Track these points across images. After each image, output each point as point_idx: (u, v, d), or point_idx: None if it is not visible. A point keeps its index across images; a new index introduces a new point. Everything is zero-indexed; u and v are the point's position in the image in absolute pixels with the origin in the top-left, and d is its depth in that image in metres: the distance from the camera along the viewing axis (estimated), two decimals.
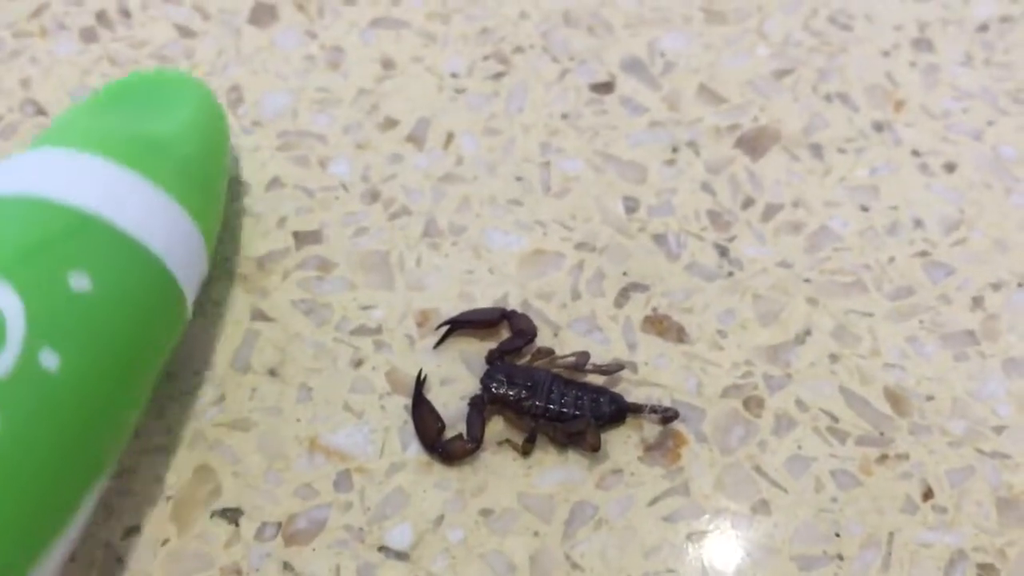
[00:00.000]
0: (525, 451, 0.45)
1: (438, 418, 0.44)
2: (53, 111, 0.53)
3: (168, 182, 0.42)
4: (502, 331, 0.48)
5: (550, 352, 0.46)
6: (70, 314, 0.36)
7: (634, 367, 0.47)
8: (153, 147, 0.42)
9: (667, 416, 0.45)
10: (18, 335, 0.34)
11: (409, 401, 0.46)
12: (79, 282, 0.36)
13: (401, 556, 0.42)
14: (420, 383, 0.45)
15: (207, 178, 0.45)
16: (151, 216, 0.40)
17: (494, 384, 0.44)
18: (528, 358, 0.47)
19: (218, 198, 0.46)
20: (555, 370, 0.46)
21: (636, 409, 0.45)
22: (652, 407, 0.45)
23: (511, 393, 0.44)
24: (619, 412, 0.45)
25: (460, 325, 0.47)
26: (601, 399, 0.45)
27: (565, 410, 0.44)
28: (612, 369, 0.46)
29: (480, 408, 0.45)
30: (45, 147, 0.41)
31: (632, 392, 0.46)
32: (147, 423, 0.45)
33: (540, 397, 0.44)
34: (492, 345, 0.47)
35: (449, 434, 0.45)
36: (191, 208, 0.42)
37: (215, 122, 0.47)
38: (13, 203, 0.38)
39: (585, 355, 0.46)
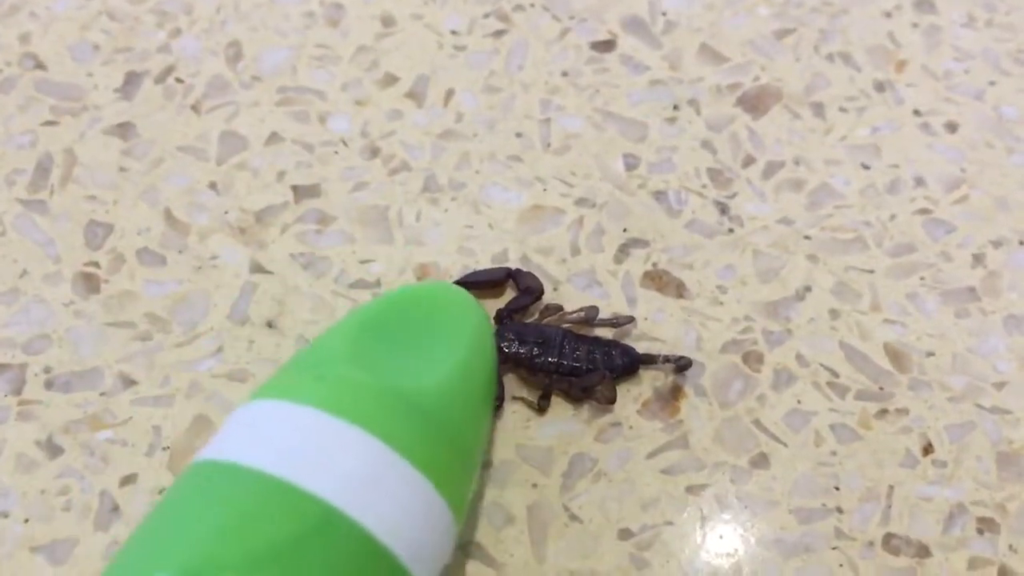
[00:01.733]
0: (541, 408, 0.44)
1: None
2: (52, 66, 0.53)
3: (424, 456, 0.36)
4: (507, 291, 0.48)
5: (559, 308, 0.46)
6: None
7: (634, 322, 0.47)
8: (416, 409, 0.36)
9: (680, 365, 0.45)
10: None
11: None
12: None
13: None
14: None
15: (469, 439, 0.38)
16: (399, 508, 0.34)
17: (505, 343, 0.44)
18: (537, 315, 0.47)
19: (477, 463, 0.39)
20: (564, 326, 0.46)
21: (649, 360, 0.45)
22: (665, 356, 0.45)
23: (523, 351, 0.44)
24: (632, 364, 0.44)
25: (466, 286, 0.47)
26: (613, 352, 0.44)
27: (578, 364, 0.44)
28: (622, 321, 0.46)
29: (509, 368, 0.44)
30: (289, 401, 0.35)
31: (633, 346, 0.46)
32: (144, 374, 0.45)
33: (552, 353, 0.44)
34: (498, 305, 0.47)
35: None
36: (446, 486, 0.36)
37: (487, 362, 0.41)
38: (246, 479, 0.33)
39: (594, 309, 0.46)
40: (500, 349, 0.44)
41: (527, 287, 0.46)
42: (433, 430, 0.36)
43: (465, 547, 0.41)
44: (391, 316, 0.40)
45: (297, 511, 0.32)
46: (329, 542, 0.32)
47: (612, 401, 0.44)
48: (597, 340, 0.45)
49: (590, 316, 0.46)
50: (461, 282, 0.47)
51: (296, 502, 0.32)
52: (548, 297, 0.47)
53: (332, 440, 0.34)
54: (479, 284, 0.47)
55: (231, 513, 0.32)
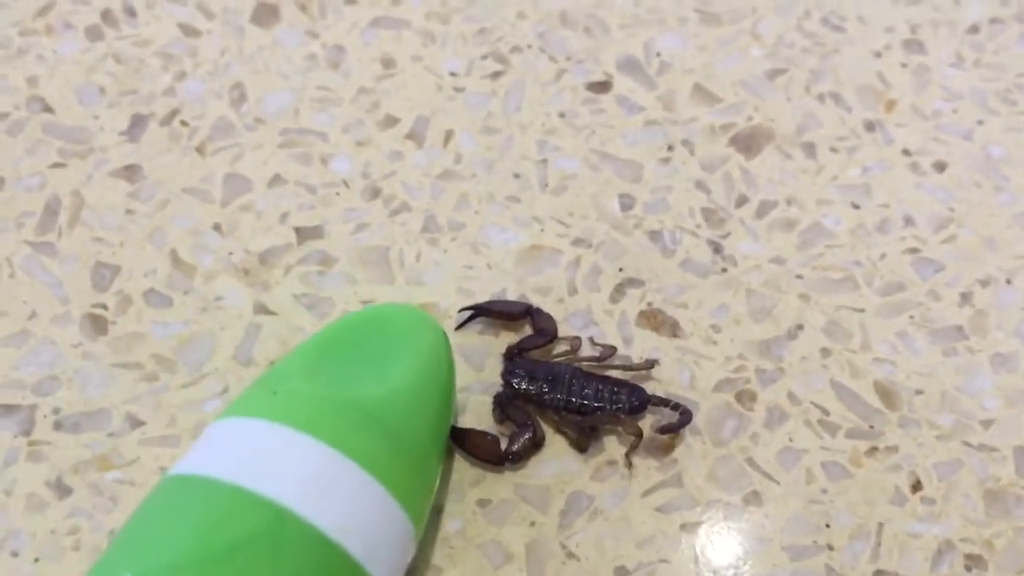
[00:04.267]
0: (580, 447, 0.45)
1: (489, 434, 0.45)
2: (59, 108, 0.54)
3: (375, 459, 0.38)
4: (518, 329, 0.49)
5: (576, 348, 0.47)
6: None
7: (628, 361, 0.48)
8: (370, 419, 0.39)
9: (682, 420, 0.45)
10: None
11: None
12: None
13: None
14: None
15: (423, 446, 0.40)
16: (351, 508, 0.36)
17: (516, 379, 0.45)
18: (550, 353, 0.48)
19: (435, 470, 0.41)
20: (576, 364, 0.47)
21: (659, 402, 0.46)
22: (675, 403, 0.46)
23: (532, 387, 0.45)
24: (641, 404, 0.45)
25: (484, 312, 0.48)
26: (622, 391, 0.45)
27: (587, 402, 0.45)
28: (641, 367, 0.47)
29: (520, 404, 0.45)
30: (245, 417, 0.38)
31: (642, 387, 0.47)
32: (150, 415, 0.46)
33: (561, 390, 0.45)
34: (502, 339, 0.48)
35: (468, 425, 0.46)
36: (400, 490, 0.38)
37: (443, 374, 0.42)
38: (203, 488, 0.36)
39: (612, 349, 0.47)
40: (510, 385, 0.45)
41: (541, 328, 0.47)
42: (384, 436, 0.39)
43: None
44: (348, 334, 0.43)
45: (250, 514, 0.35)
46: (281, 541, 0.35)
47: (640, 435, 0.45)
48: (607, 379, 0.46)
49: (604, 355, 0.47)
50: (479, 307, 0.48)
51: (249, 505, 0.35)
52: None
53: (284, 448, 0.37)
54: (498, 314, 0.48)
55: (188, 518, 0.35)
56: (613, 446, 0.46)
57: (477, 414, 0.47)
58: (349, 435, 0.38)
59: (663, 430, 0.45)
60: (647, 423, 0.46)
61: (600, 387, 0.45)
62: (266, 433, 0.37)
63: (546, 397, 0.45)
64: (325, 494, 0.36)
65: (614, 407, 0.45)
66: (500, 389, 0.46)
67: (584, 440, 0.45)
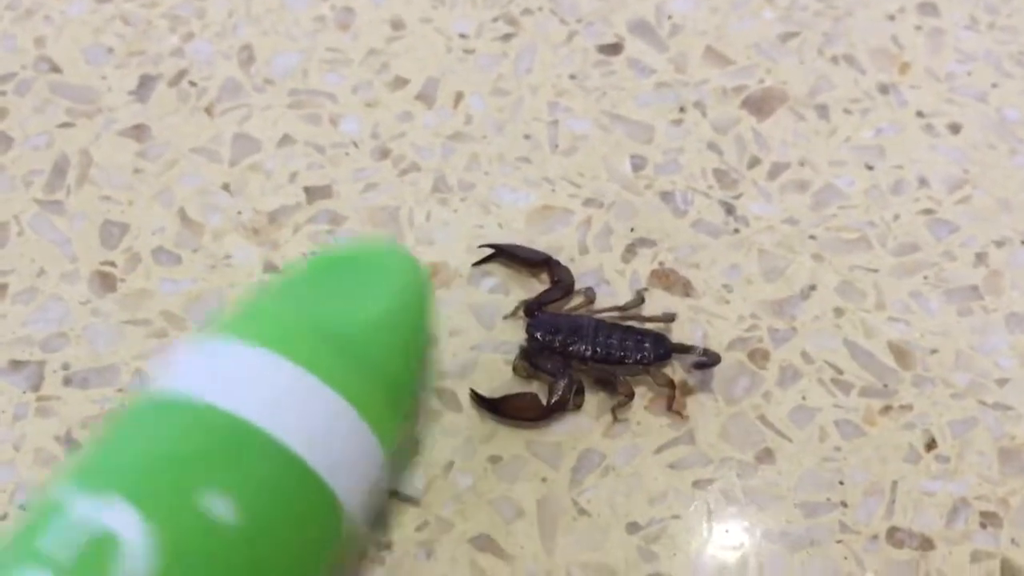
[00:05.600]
0: (577, 404, 0.45)
1: (526, 394, 0.44)
2: (67, 69, 0.54)
3: (344, 380, 0.38)
4: (532, 282, 0.48)
5: (591, 300, 0.47)
6: (204, 547, 0.33)
7: (641, 319, 0.47)
8: (341, 344, 0.38)
9: (711, 359, 0.45)
10: (141, 568, 0.32)
11: None
12: (220, 507, 0.33)
13: (412, 501, 0.43)
14: (479, 396, 0.45)
15: (396, 373, 0.40)
16: (314, 424, 0.36)
17: (539, 332, 0.45)
18: (571, 305, 0.47)
19: (407, 395, 0.41)
20: (597, 316, 0.47)
21: (683, 349, 0.46)
22: (704, 349, 0.45)
23: (557, 340, 0.45)
24: (666, 352, 0.45)
25: (504, 254, 0.48)
26: (646, 340, 0.45)
27: (611, 352, 0.45)
28: (663, 319, 0.47)
29: (553, 359, 0.45)
30: (216, 338, 0.38)
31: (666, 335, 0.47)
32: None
33: (586, 341, 0.45)
34: (512, 298, 0.48)
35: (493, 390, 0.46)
36: (370, 413, 0.38)
37: (418, 307, 0.42)
38: (166, 402, 0.36)
39: (640, 299, 0.47)
40: (534, 338, 0.45)
41: (559, 280, 0.47)
42: (355, 360, 0.38)
43: (476, 539, 0.42)
44: (325, 268, 0.42)
45: (208, 425, 0.35)
46: (239, 452, 0.35)
47: (672, 386, 0.45)
48: (629, 329, 0.46)
49: (631, 304, 0.47)
50: (500, 247, 0.48)
51: (209, 418, 0.35)
52: None
53: (249, 365, 0.37)
54: (517, 258, 0.48)
55: (143, 430, 0.35)
56: (628, 406, 0.45)
57: (489, 371, 0.46)
58: (318, 356, 0.38)
59: (697, 366, 0.45)
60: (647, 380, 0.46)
61: (624, 336, 0.45)
62: (233, 352, 0.37)
63: (571, 349, 0.45)
64: (289, 409, 0.36)
65: (640, 355, 0.45)
66: (524, 344, 0.46)
67: (619, 399, 0.45)
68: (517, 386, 0.46)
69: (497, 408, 0.44)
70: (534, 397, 0.44)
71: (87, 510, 0.32)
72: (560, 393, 0.44)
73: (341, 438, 0.37)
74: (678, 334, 0.47)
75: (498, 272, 0.49)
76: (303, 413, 0.36)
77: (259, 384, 0.36)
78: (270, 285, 0.41)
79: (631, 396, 0.45)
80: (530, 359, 0.45)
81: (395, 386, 0.40)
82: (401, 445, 0.42)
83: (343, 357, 0.38)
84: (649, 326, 0.47)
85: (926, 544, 0.42)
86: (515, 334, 0.47)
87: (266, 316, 0.39)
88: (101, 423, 0.37)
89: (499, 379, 0.46)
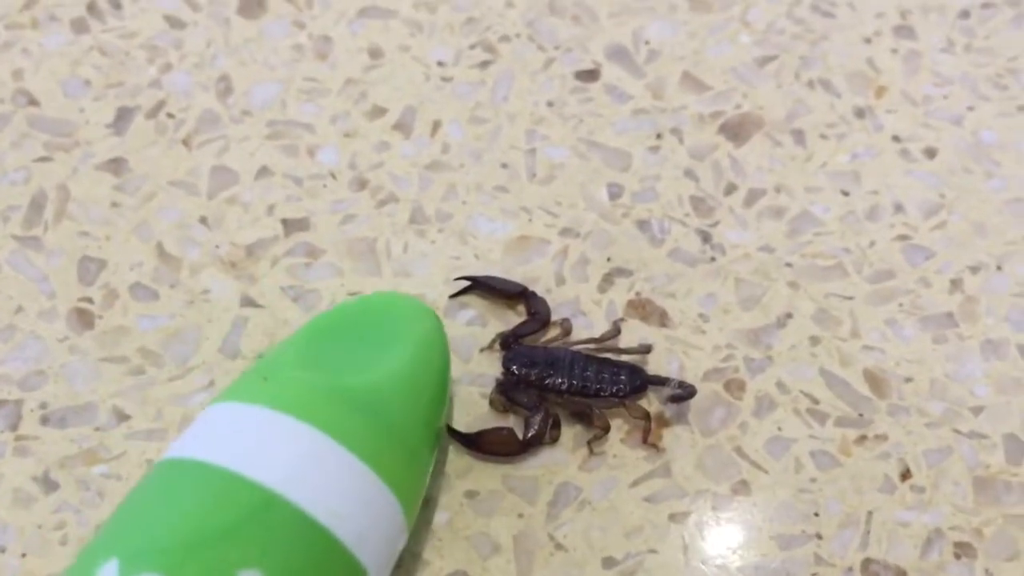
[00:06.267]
0: (554, 438, 0.45)
1: (501, 429, 0.45)
2: (45, 102, 0.54)
3: (367, 445, 0.38)
4: (508, 313, 0.49)
5: (567, 332, 0.47)
6: None
7: (617, 351, 0.47)
8: (362, 406, 0.39)
9: (687, 391, 0.45)
10: None
11: None
12: None
13: None
14: (455, 432, 0.45)
15: (416, 433, 0.40)
16: (340, 493, 0.36)
17: (515, 365, 0.45)
18: (548, 337, 0.48)
19: (428, 459, 0.41)
20: (573, 348, 0.47)
21: (658, 381, 0.46)
22: (680, 382, 0.46)
23: (533, 373, 0.45)
24: (641, 384, 0.45)
25: (480, 286, 0.48)
26: (622, 372, 0.45)
27: (587, 385, 0.45)
28: (639, 350, 0.47)
29: (523, 389, 0.45)
30: (238, 403, 0.38)
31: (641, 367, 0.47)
32: (137, 409, 0.46)
33: (562, 374, 0.45)
34: (490, 330, 0.48)
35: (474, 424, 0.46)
36: (392, 476, 0.38)
37: (437, 362, 0.42)
38: (193, 471, 0.36)
39: (616, 329, 0.47)
40: (510, 372, 0.45)
41: (536, 312, 0.47)
42: (376, 422, 0.39)
43: None
44: (341, 323, 0.43)
45: (240, 498, 0.35)
46: (269, 524, 0.35)
47: (648, 418, 0.45)
48: (605, 361, 0.46)
49: (606, 336, 0.47)
50: (476, 279, 0.48)
51: (239, 489, 0.35)
52: None
53: (274, 432, 0.37)
54: (493, 289, 0.48)
55: (177, 502, 0.35)
56: (604, 439, 0.46)
57: (466, 404, 0.46)
58: (341, 421, 0.38)
59: (672, 399, 0.45)
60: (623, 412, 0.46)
61: (600, 369, 0.45)
62: (257, 418, 0.37)
63: (547, 382, 0.45)
64: (315, 479, 0.36)
65: (615, 387, 0.45)
66: (500, 377, 0.46)
67: (595, 433, 0.45)
68: (493, 420, 0.46)
69: (473, 443, 0.44)
70: (510, 432, 0.44)
71: None
72: (536, 428, 0.44)
73: (365, 506, 0.37)
74: (654, 365, 0.48)
75: (475, 304, 0.49)
76: (328, 482, 0.36)
77: (284, 452, 0.36)
78: (289, 344, 0.41)
79: (607, 429, 0.45)
80: (506, 393, 0.45)
81: (416, 447, 0.40)
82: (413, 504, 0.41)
83: (365, 420, 0.38)
84: (626, 358, 0.47)
85: None
86: (492, 367, 0.48)
87: (287, 380, 0.39)
88: (133, 489, 0.37)
89: (475, 412, 0.46)
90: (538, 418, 0.44)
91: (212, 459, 0.36)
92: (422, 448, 0.40)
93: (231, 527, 0.34)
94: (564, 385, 0.45)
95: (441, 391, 0.42)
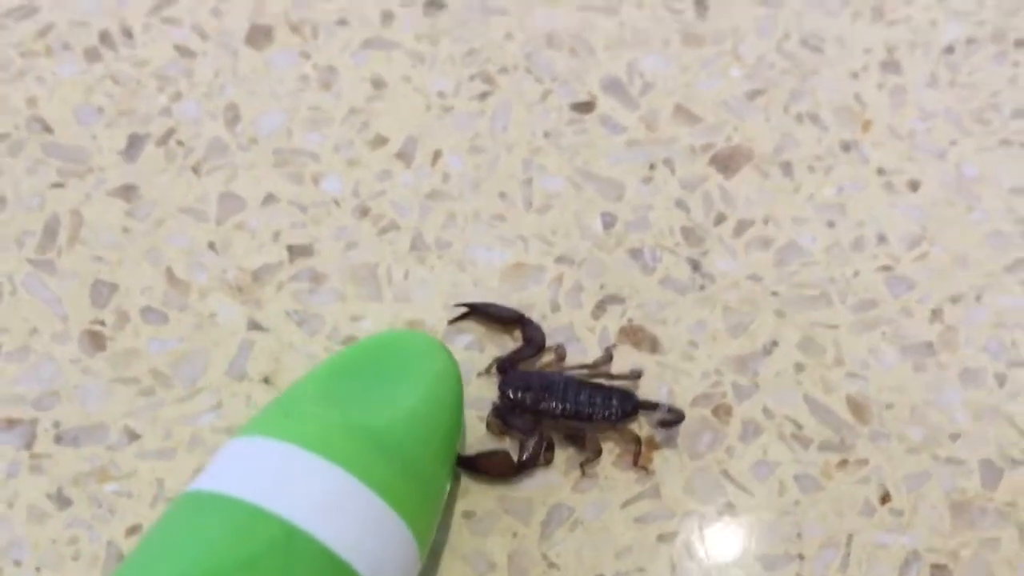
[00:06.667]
0: (548, 460, 0.47)
1: (497, 451, 0.46)
2: (58, 129, 0.56)
3: (384, 482, 0.39)
4: (505, 339, 0.51)
5: (562, 357, 0.49)
6: None
7: (609, 377, 0.49)
8: (379, 441, 0.40)
9: (676, 416, 0.47)
10: None
11: None
12: None
13: None
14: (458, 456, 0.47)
15: (430, 469, 0.42)
16: (359, 527, 0.38)
17: (511, 389, 0.47)
18: (543, 362, 0.49)
19: (442, 494, 0.43)
20: (567, 373, 0.49)
21: (649, 406, 0.48)
22: (669, 407, 0.47)
23: (528, 397, 0.47)
24: (633, 408, 0.47)
25: (478, 312, 0.50)
26: (613, 397, 0.47)
27: (581, 409, 0.47)
28: (631, 376, 0.49)
29: (519, 414, 0.47)
30: (261, 437, 0.40)
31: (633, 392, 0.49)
32: (147, 429, 0.47)
33: (557, 398, 0.47)
34: (487, 355, 0.50)
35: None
36: (407, 511, 0.40)
37: (451, 399, 0.44)
38: (215, 504, 0.37)
39: (608, 356, 0.49)
40: (506, 396, 0.47)
41: (531, 339, 0.49)
42: (394, 460, 0.40)
43: None
44: (359, 360, 0.44)
45: (262, 530, 0.36)
46: (290, 557, 0.36)
47: (639, 442, 0.47)
48: (598, 386, 0.48)
49: (600, 362, 0.49)
50: (475, 306, 0.50)
51: (261, 522, 0.37)
52: None
53: (295, 467, 0.38)
54: (491, 316, 0.50)
55: (201, 534, 0.36)
56: (596, 462, 0.47)
57: (465, 427, 0.48)
58: (359, 457, 0.39)
59: (661, 424, 0.47)
60: (622, 437, 0.48)
61: (593, 394, 0.47)
62: (279, 453, 0.39)
63: (542, 406, 0.47)
64: (335, 513, 0.38)
65: (607, 412, 0.47)
66: (497, 401, 0.48)
67: (588, 456, 0.47)
68: (490, 442, 0.48)
69: (471, 465, 0.46)
70: (506, 455, 0.46)
71: None
72: (531, 450, 0.46)
73: (382, 540, 0.38)
74: (645, 389, 0.49)
75: (473, 330, 0.51)
76: (347, 517, 0.38)
77: (303, 486, 0.38)
78: (310, 380, 0.43)
79: (599, 453, 0.47)
80: (502, 416, 0.47)
81: (430, 482, 0.41)
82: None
83: (382, 456, 0.40)
84: (617, 383, 0.49)
85: None
86: (489, 390, 0.49)
87: (308, 416, 0.40)
88: (156, 521, 0.39)
89: (473, 435, 0.48)
90: (532, 441, 0.46)
91: (235, 492, 0.37)
92: (436, 483, 0.42)
93: (253, 559, 0.36)
94: (558, 409, 0.47)
95: (455, 428, 0.44)
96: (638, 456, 0.47)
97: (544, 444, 0.47)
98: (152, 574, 0.36)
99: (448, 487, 0.44)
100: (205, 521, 0.37)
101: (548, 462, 0.47)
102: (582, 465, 0.47)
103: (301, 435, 0.40)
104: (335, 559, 0.37)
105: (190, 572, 0.35)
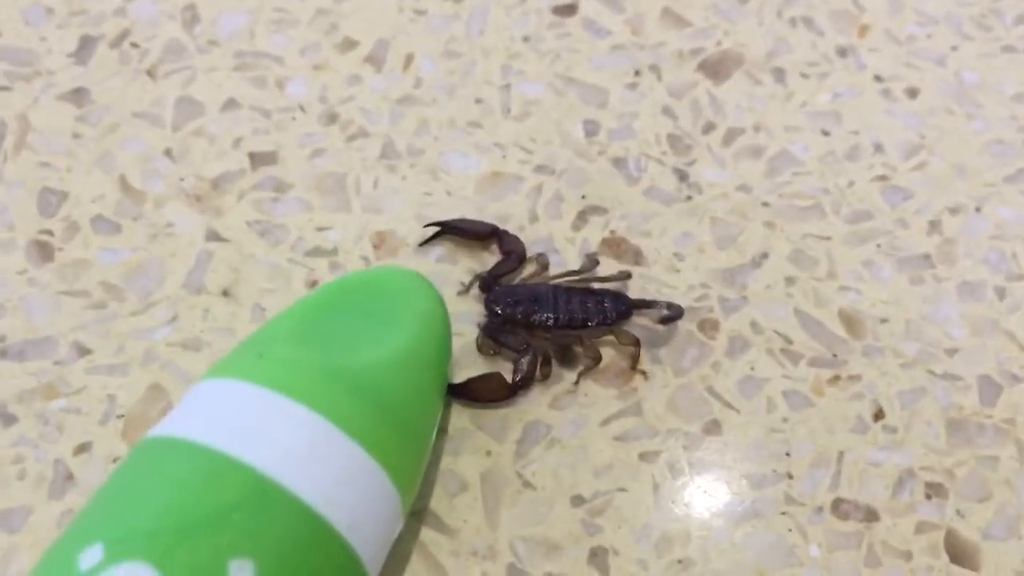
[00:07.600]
0: (545, 375, 0.44)
1: (490, 375, 0.44)
2: (5, 30, 0.52)
3: (365, 430, 0.36)
4: (480, 253, 0.48)
5: (544, 267, 0.46)
6: None
7: (597, 281, 0.47)
8: (359, 387, 0.37)
9: (673, 313, 0.45)
10: None
11: None
12: (243, 574, 0.32)
13: None
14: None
15: (415, 417, 0.38)
16: (336, 479, 0.35)
17: (499, 306, 0.44)
18: (526, 274, 0.47)
19: (427, 443, 0.39)
20: (553, 283, 0.46)
21: (643, 305, 0.45)
22: (667, 303, 0.45)
23: (519, 311, 0.44)
24: (628, 309, 0.45)
25: (451, 230, 0.47)
26: (606, 300, 0.45)
27: (574, 316, 0.44)
28: (618, 277, 0.46)
29: (510, 330, 0.44)
30: (231, 380, 0.36)
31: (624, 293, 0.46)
32: (98, 343, 0.45)
33: (547, 308, 0.44)
34: (461, 267, 0.47)
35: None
36: (390, 462, 0.37)
37: (437, 343, 0.41)
38: (184, 452, 0.34)
39: (595, 260, 0.47)
40: (494, 313, 0.44)
41: (510, 250, 0.46)
42: (374, 406, 0.37)
43: (419, 513, 0.42)
44: (340, 299, 0.40)
45: (231, 481, 0.33)
46: (261, 511, 0.33)
47: (638, 344, 0.44)
48: (588, 291, 0.45)
49: (587, 267, 0.46)
50: (446, 224, 0.47)
51: (230, 472, 0.33)
52: None
53: (268, 414, 0.35)
54: (464, 232, 0.47)
55: (166, 483, 0.33)
56: (572, 374, 0.45)
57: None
58: (338, 403, 0.36)
59: (662, 321, 0.45)
60: (604, 351, 0.45)
61: (584, 300, 0.44)
62: (251, 398, 0.35)
63: (534, 318, 0.44)
64: (310, 464, 0.34)
65: (602, 316, 0.44)
66: (484, 320, 0.45)
67: (586, 364, 0.44)
68: (475, 365, 0.45)
69: (463, 393, 0.43)
70: (499, 376, 0.43)
71: None
72: (526, 368, 0.43)
73: (361, 493, 0.35)
74: None
75: (443, 241, 0.48)
76: (324, 467, 0.34)
77: (277, 434, 0.34)
78: (286, 318, 0.39)
79: (599, 359, 0.44)
80: (493, 335, 0.44)
81: (415, 431, 0.38)
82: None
83: (363, 402, 0.37)
84: (607, 286, 0.47)
85: (871, 516, 0.42)
86: (465, 305, 0.47)
87: (283, 358, 0.37)
88: (118, 467, 0.35)
89: (455, 359, 0.45)
90: (526, 360, 0.43)
91: (203, 439, 0.34)
92: (421, 432, 0.39)
93: (222, 512, 0.32)
94: (551, 319, 0.44)
95: (442, 373, 0.41)
96: (636, 360, 0.44)
97: (539, 360, 0.44)
98: (109, 529, 0.32)
99: (434, 435, 0.41)
100: (168, 470, 0.33)
101: (546, 377, 0.44)
102: (580, 374, 0.44)
103: (275, 378, 0.36)
104: (310, 513, 0.34)
105: (153, 525, 0.32)
